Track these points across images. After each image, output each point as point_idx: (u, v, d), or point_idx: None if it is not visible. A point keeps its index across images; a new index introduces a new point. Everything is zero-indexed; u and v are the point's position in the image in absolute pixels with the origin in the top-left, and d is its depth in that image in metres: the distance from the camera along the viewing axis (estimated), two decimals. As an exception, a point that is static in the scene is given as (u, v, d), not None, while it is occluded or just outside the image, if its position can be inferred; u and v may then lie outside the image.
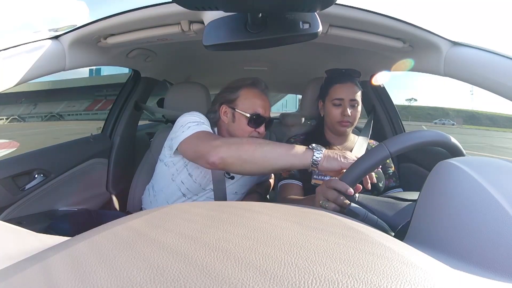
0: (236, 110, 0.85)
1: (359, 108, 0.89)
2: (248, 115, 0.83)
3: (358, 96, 0.89)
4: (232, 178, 0.90)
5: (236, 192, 0.92)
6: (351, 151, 0.90)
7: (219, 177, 0.84)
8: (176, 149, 0.76)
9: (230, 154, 0.63)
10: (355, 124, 0.91)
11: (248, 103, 0.85)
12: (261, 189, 1.02)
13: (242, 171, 0.66)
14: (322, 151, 0.61)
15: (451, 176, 0.32)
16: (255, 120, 0.84)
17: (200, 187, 0.85)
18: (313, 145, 0.62)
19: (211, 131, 0.78)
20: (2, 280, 0.18)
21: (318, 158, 0.60)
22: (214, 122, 0.91)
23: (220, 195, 0.85)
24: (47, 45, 0.67)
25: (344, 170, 0.55)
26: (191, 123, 0.76)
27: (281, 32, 0.47)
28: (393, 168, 0.95)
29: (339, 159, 0.59)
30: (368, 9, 0.66)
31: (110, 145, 1.23)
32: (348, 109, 0.87)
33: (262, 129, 0.85)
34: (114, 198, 1.21)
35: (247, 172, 0.70)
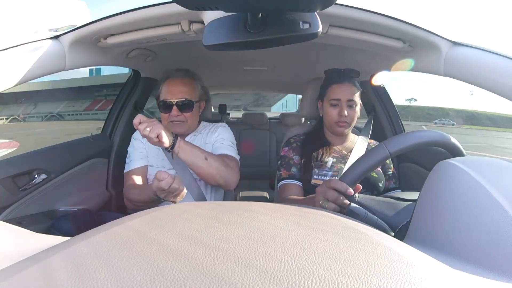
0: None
1: (357, 108, 0.89)
2: (158, 104, 0.94)
3: (356, 96, 0.88)
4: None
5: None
6: (351, 151, 0.90)
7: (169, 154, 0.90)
8: None
9: (129, 199, 0.90)
10: (353, 124, 0.91)
11: (161, 94, 0.94)
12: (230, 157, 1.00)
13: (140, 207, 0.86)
14: None
15: (451, 176, 0.32)
16: (163, 106, 0.92)
17: (164, 169, 0.92)
18: None
19: (133, 166, 0.96)
20: (2, 280, 0.18)
21: None
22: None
23: (180, 168, 0.90)
24: (47, 45, 0.67)
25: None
26: (128, 159, 0.99)
27: (281, 32, 0.47)
28: (392, 169, 0.95)
29: None
30: (368, 9, 0.66)
31: (110, 145, 1.23)
32: (345, 109, 0.87)
33: (174, 112, 0.90)
34: (114, 198, 1.21)
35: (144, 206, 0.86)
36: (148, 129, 0.71)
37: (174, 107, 0.91)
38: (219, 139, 0.98)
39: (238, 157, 0.96)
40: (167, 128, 0.91)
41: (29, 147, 1.00)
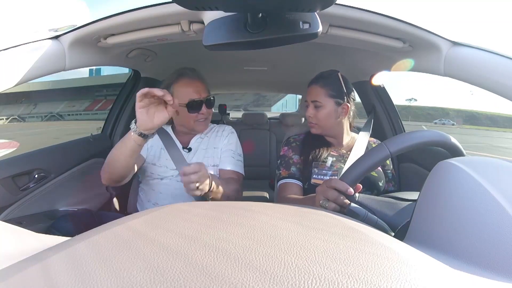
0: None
1: (325, 111, 0.87)
2: (185, 104, 0.90)
3: (322, 97, 0.87)
4: (190, 149, 0.96)
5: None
6: (350, 150, 0.90)
7: (176, 154, 0.91)
8: None
9: (103, 168, 0.81)
10: (324, 126, 0.90)
11: (182, 94, 0.91)
12: (237, 175, 0.99)
13: (113, 172, 0.79)
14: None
15: (451, 176, 0.32)
16: (193, 106, 0.91)
17: (167, 169, 0.92)
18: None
19: None
20: (2, 280, 0.18)
21: (132, 127, 0.70)
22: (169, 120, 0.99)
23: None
24: (47, 45, 0.67)
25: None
26: None
27: (281, 32, 0.47)
28: (392, 172, 0.95)
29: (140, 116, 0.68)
30: (368, 9, 0.66)
31: (110, 145, 1.24)
32: (309, 109, 0.90)
33: (203, 110, 0.92)
34: (114, 198, 1.21)
35: (116, 172, 0.79)
36: (197, 184, 0.67)
37: (204, 105, 0.92)
38: (228, 150, 0.97)
39: (242, 170, 0.97)
40: (191, 128, 0.95)
41: (28, 148, 0.99)
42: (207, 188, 0.70)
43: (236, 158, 0.97)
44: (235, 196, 0.87)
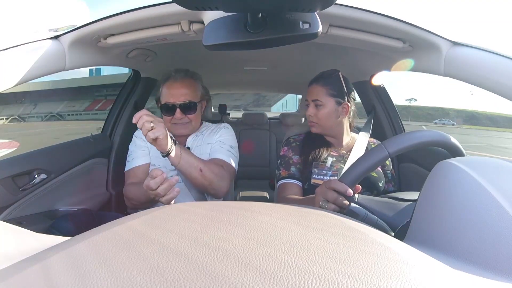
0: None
1: (326, 110, 0.87)
2: (160, 107, 0.94)
3: (323, 96, 0.87)
4: (188, 148, 0.95)
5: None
6: (350, 150, 0.90)
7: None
8: None
9: (126, 200, 0.91)
10: (324, 126, 0.90)
11: (162, 97, 0.93)
12: (225, 164, 0.99)
13: (139, 205, 0.88)
14: None
15: (451, 176, 0.32)
16: (165, 109, 0.92)
17: (166, 169, 0.91)
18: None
19: (135, 164, 0.94)
20: (2, 280, 0.18)
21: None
22: None
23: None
24: (47, 45, 0.67)
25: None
26: (129, 157, 0.97)
27: (281, 32, 0.47)
28: (392, 172, 0.95)
29: None
30: (368, 9, 0.66)
31: (110, 145, 1.24)
32: (310, 109, 0.90)
33: (177, 115, 0.91)
34: (114, 198, 1.21)
35: (142, 204, 0.87)
36: (151, 125, 0.67)
37: (178, 109, 0.90)
38: (218, 142, 0.96)
39: (235, 163, 0.94)
40: (170, 130, 0.92)
41: (28, 148, 1.00)
42: (162, 132, 0.69)
43: (225, 148, 0.95)
44: (219, 183, 0.85)
